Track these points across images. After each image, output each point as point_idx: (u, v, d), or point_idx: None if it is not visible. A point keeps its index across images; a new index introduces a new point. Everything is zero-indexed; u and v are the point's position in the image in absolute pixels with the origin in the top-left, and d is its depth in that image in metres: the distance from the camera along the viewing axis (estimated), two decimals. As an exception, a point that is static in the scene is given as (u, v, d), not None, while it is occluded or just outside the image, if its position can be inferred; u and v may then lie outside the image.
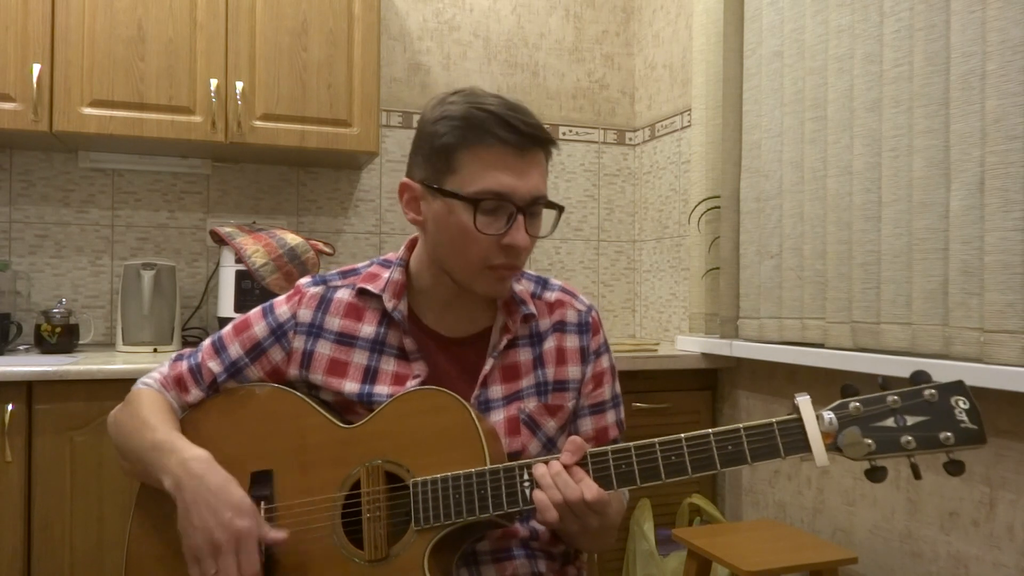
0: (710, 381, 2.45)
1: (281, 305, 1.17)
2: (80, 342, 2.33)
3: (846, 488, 1.98)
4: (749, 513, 2.34)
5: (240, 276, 2.27)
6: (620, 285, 3.04)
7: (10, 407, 1.82)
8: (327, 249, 2.43)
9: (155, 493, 1.08)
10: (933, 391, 0.92)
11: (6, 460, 1.82)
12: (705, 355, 2.35)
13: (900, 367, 1.66)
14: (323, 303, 1.16)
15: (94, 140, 2.25)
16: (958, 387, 0.92)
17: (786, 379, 2.17)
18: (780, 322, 2.06)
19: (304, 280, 1.19)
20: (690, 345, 2.41)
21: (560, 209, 1.11)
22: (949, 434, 0.91)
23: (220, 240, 2.32)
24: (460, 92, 1.07)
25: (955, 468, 0.90)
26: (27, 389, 1.85)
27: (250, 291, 2.26)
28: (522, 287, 1.19)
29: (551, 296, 1.21)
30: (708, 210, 2.35)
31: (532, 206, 1.05)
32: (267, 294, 2.17)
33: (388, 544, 1.02)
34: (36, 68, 2.09)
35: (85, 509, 1.89)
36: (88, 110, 2.15)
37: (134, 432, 1.09)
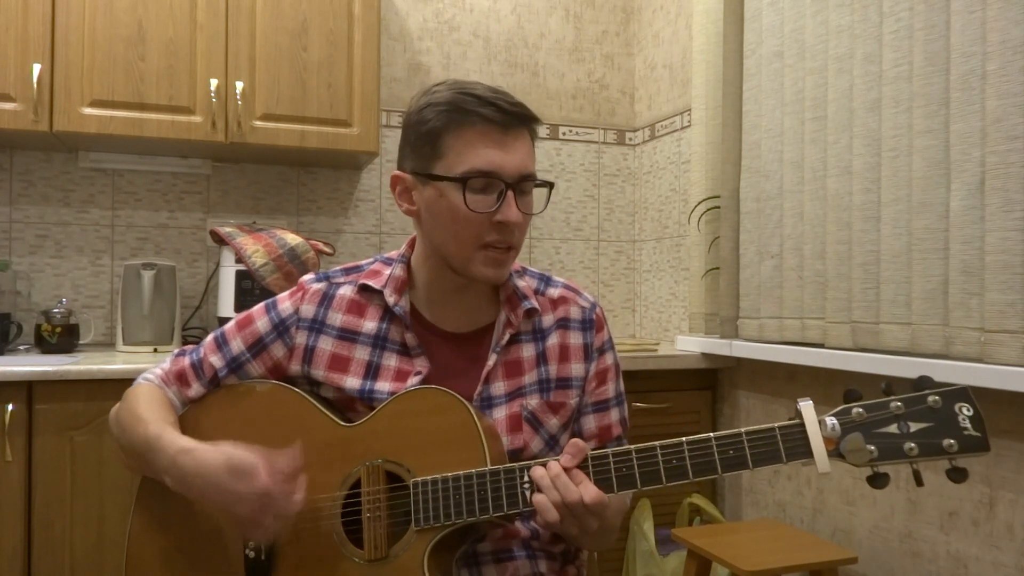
0: (710, 381, 2.45)
1: (284, 301, 1.18)
2: (80, 342, 2.33)
3: (846, 488, 1.98)
4: (749, 513, 2.34)
5: (240, 276, 2.27)
6: (620, 285, 3.04)
7: (10, 407, 1.82)
8: (327, 249, 2.43)
9: (156, 486, 1.08)
10: (937, 398, 0.92)
11: (6, 460, 1.82)
12: (705, 355, 2.35)
13: (900, 367, 1.66)
14: (326, 299, 1.16)
15: (94, 140, 2.25)
16: (962, 394, 0.92)
17: (786, 379, 2.18)
18: (780, 322, 2.06)
19: (307, 277, 1.19)
20: (690, 345, 2.41)
21: (551, 186, 1.12)
22: (952, 441, 0.90)
23: (220, 240, 2.32)
24: (444, 82, 1.10)
25: (958, 475, 0.90)
26: (27, 389, 1.85)
27: (250, 291, 2.26)
28: (525, 283, 1.19)
29: (555, 292, 1.21)
30: (708, 210, 2.35)
31: (521, 183, 1.06)
32: (267, 294, 2.17)
33: (388, 544, 1.02)
34: (36, 68, 2.09)
35: (85, 509, 1.89)
36: (88, 110, 2.15)
37: (129, 427, 1.10)
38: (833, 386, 1.99)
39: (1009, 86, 1.45)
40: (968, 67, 1.54)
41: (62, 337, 2.23)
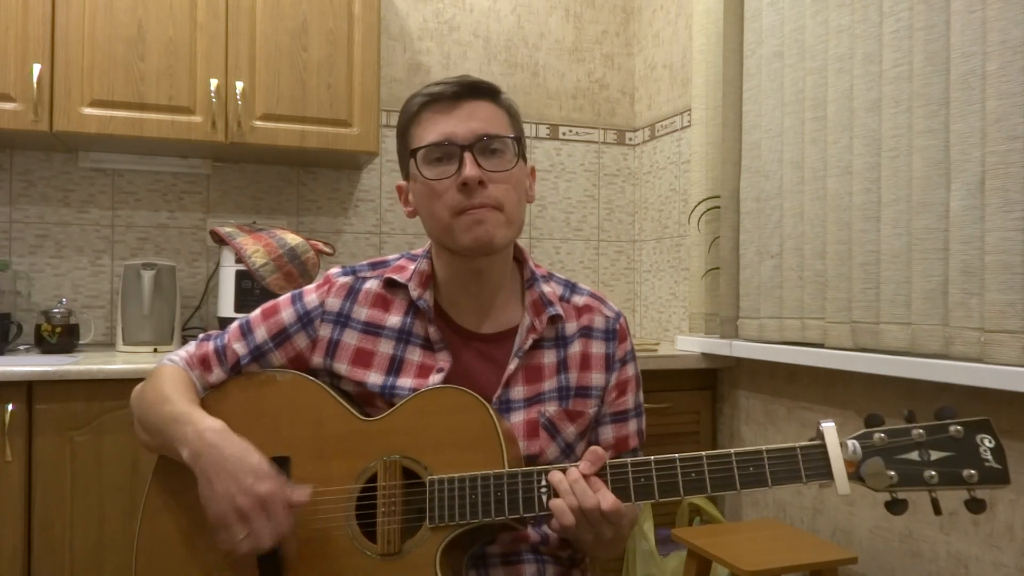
0: (710, 381, 2.45)
1: (310, 293, 1.19)
2: (80, 342, 2.33)
3: (846, 488, 1.98)
4: (749, 513, 2.34)
5: (240, 276, 2.27)
6: (620, 285, 3.04)
7: (10, 407, 1.82)
8: (327, 249, 2.43)
9: (173, 467, 1.08)
10: (959, 427, 0.92)
11: (6, 460, 1.82)
12: (705, 355, 2.35)
13: (900, 367, 1.67)
14: (352, 293, 1.17)
15: (94, 140, 2.25)
16: (984, 425, 0.92)
17: (786, 379, 2.18)
18: (780, 322, 2.06)
19: (335, 270, 1.21)
20: (690, 345, 2.41)
21: (517, 140, 1.12)
22: (973, 472, 0.90)
23: (220, 240, 2.32)
24: None
25: (976, 507, 0.90)
26: (27, 389, 1.85)
27: (250, 291, 2.26)
28: (551, 289, 1.19)
29: (580, 300, 1.21)
30: (708, 210, 2.35)
31: (478, 143, 1.07)
32: (267, 294, 2.17)
33: (401, 539, 1.02)
34: (36, 68, 2.09)
35: (85, 509, 1.89)
36: (88, 110, 2.15)
37: (153, 405, 1.11)
38: (833, 386, 1.99)
39: (1009, 86, 1.45)
40: (968, 67, 1.54)
41: (62, 337, 2.23)
